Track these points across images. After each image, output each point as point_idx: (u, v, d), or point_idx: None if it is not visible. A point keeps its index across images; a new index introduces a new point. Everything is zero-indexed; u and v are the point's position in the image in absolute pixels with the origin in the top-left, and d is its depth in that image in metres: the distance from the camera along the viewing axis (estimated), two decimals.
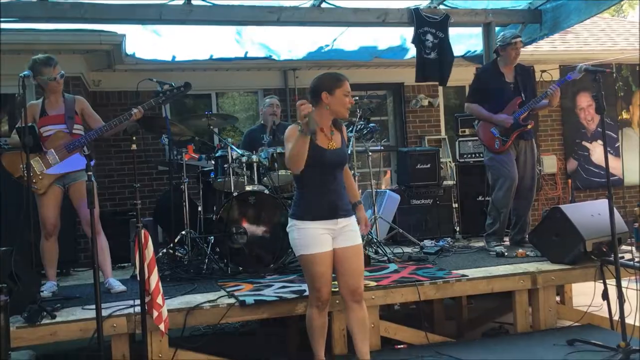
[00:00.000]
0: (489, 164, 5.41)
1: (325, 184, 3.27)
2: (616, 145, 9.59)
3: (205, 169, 5.57)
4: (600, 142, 9.02)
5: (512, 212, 5.42)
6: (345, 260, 3.32)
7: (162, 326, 3.18)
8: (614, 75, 9.34)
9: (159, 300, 3.11)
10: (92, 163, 3.71)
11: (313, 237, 3.24)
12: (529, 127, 5.25)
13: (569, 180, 9.30)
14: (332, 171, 3.30)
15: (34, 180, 4.13)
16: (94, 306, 3.48)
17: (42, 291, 4.06)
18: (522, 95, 5.23)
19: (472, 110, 5.45)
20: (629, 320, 3.64)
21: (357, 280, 3.35)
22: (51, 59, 4.27)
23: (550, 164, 9.25)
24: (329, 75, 3.35)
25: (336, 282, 3.40)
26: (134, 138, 3.28)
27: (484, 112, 5.29)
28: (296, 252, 3.36)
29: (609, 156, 9.51)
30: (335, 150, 3.32)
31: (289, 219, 3.37)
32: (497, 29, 6.69)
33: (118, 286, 4.28)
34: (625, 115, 9.83)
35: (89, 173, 3.04)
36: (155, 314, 3.12)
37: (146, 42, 6.87)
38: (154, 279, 3.10)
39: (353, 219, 3.41)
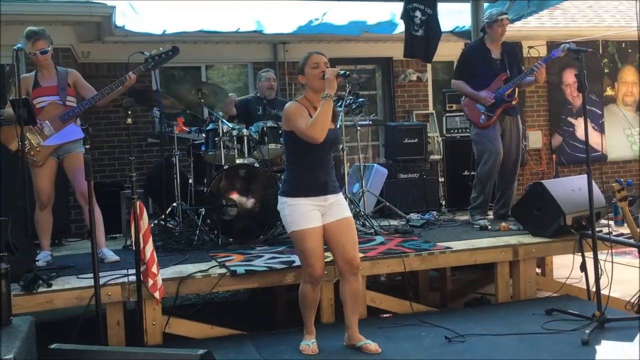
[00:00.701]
0: (474, 139, 5.52)
1: (316, 161, 3.34)
2: (601, 122, 9.75)
3: (196, 142, 5.63)
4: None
5: (497, 186, 5.57)
6: (338, 232, 3.37)
7: (157, 294, 3.29)
8: (599, 54, 9.42)
9: (154, 269, 3.22)
10: (83, 134, 3.78)
11: (302, 213, 3.30)
12: (514, 102, 5.36)
13: (554, 156, 9.46)
14: (324, 150, 3.36)
15: (32, 153, 4.20)
16: (88, 275, 3.61)
17: (37, 260, 4.15)
18: (508, 71, 5.32)
19: (457, 87, 5.54)
20: (605, 292, 3.80)
21: (352, 251, 3.40)
22: (32, 34, 4.24)
23: (535, 139, 9.39)
24: (301, 58, 3.45)
25: (329, 254, 3.48)
26: (130, 112, 3.35)
27: (467, 89, 5.38)
28: (288, 229, 3.41)
29: (594, 132, 9.76)
30: (330, 130, 3.34)
31: (279, 197, 3.42)
32: (485, 5, 6.74)
33: (111, 256, 4.38)
34: (610, 92, 9.96)
35: (87, 146, 3.11)
36: (150, 282, 3.24)
37: (136, 15, 6.85)
38: (149, 249, 3.20)
39: (341, 195, 3.51)
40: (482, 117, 5.33)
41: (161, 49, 4.50)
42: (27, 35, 4.24)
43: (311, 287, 3.43)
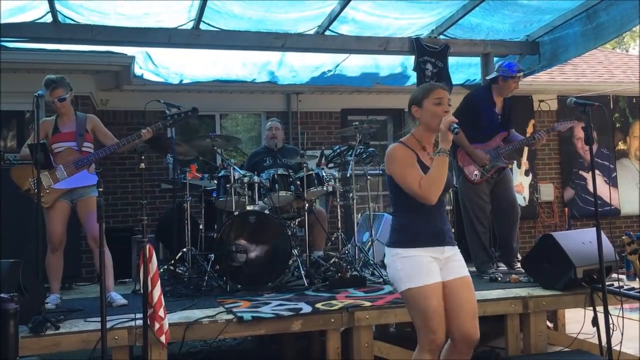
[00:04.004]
0: (462, 190, 5.35)
1: (430, 207, 2.87)
2: (613, 176, 9.74)
3: (208, 188, 5.70)
4: (597, 172, 9.16)
5: (497, 233, 5.50)
6: (456, 295, 2.88)
7: (162, 338, 3.28)
8: (609, 109, 9.50)
9: (161, 312, 3.22)
10: (96, 180, 3.86)
11: (421, 267, 2.82)
12: (509, 166, 5.35)
13: (566, 209, 9.42)
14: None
15: (41, 194, 4.28)
16: (96, 318, 3.62)
17: (47, 303, 4.17)
18: (507, 130, 5.32)
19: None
20: (617, 347, 3.73)
21: (470, 321, 2.88)
22: (50, 82, 4.39)
23: (547, 191, 9.39)
24: (419, 88, 3.06)
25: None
26: (143, 157, 3.43)
27: (465, 142, 5.17)
28: (399, 286, 2.89)
29: (606, 186, 9.72)
30: None
31: (387, 249, 2.96)
32: (495, 59, 6.88)
33: (119, 299, 4.39)
34: (622, 146, 9.99)
35: (100, 189, 3.18)
36: (157, 326, 3.23)
37: (153, 65, 7.06)
38: (157, 292, 3.21)
39: (457, 249, 3.02)
40: (476, 173, 5.20)
41: (181, 107, 4.63)
42: (46, 84, 4.40)
43: (430, 356, 2.86)
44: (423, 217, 2.89)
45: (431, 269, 2.84)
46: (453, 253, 2.96)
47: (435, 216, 2.92)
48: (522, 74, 5.32)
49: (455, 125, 2.79)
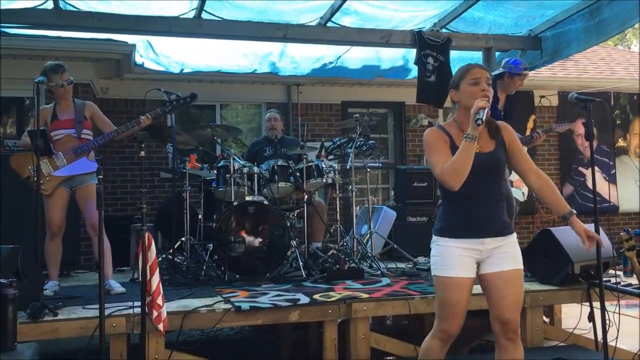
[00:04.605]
0: None
1: (470, 195, 2.73)
2: (612, 172, 9.75)
3: (208, 178, 5.70)
4: (596, 168, 9.17)
5: None
6: (498, 287, 2.77)
7: (160, 326, 3.29)
8: (610, 105, 9.49)
9: (159, 301, 3.23)
10: (95, 167, 3.85)
11: (450, 258, 2.76)
12: None
13: None
14: (480, 179, 2.73)
15: (41, 182, 4.28)
16: (94, 306, 3.63)
17: (45, 289, 4.18)
18: None
19: None
20: (612, 343, 3.75)
21: (509, 312, 2.77)
22: (59, 67, 4.42)
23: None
24: (457, 71, 2.90)
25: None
26: (143, 146, 3.42)
27: None
28: (432, 271, 2.88)
29: (605, 182, 9.70)
30: (485, 154, 2.78)
31: (433, 233, 2.92)
32: (497, 54, 6.86)
33: (118, 287, 4.41)
34: (622, 143, 9.99)
35: (100, 176, 3.18)
36: (155, 314, 3.24)
37: (154, 54, 7.04)
38: (155, 281, 3.22)
39: (511, 238, 2.83)
40: None
41: (180, 94, 4.62)
42: (54, 68, 4.39)
43: (440, 344, 2.87)
44: (466, 205, 2.77)
45: (460, 262, 2.75)
46: (501, 244, 2.79)
47: (476, 205, 2.76)
48: (528, 71, 5.32)
49: (479, 116, 2.64)
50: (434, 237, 2.87)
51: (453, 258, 2.76)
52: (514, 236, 2.85)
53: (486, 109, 2.68)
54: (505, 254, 2.79)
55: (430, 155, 2.77)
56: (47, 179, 4.33)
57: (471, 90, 2.77)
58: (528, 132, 5.87)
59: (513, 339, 2.79)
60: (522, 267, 2.85)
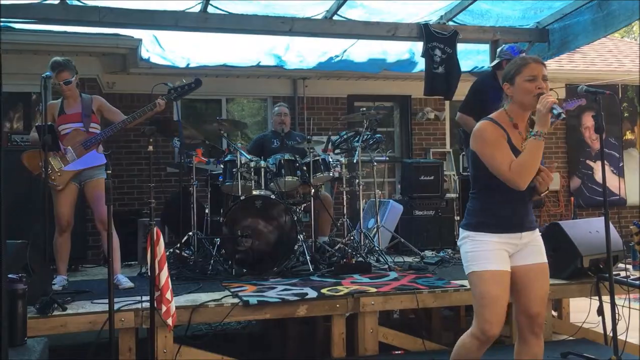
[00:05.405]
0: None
1: (511, 190, 2.69)
2: (620, 165, 9.70)
3: (214, 173, 5.70)
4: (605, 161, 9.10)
5: None
6: (527, 279, 2.75)
7: (169, 320, 3.29)
8: (618, 98, 9.43)
9: (168, 295, 3.23)
10: (105, 160, 3.84)
11: (489, 252, 2.70)
12: None
13: (572, 198, 9.39)
14: None
15: (53, 177, 4.29)
16: (103, 300, 3.64)
17: (54, 284, 4.20)
18: None
19: (463, 122, 5.32)
20: (622, 337, 3.73)
21: (537, 306, 2.75)
22: (57, 65, 4.39)
23: (553, 181, 9.34)
24: (511, 62, 2.84)
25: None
26: (151, 140, 3.42)
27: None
28: (466, 268, 2.78)
29: (613, 176, 9.66)
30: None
31: (461, 229, 2.84)
32: (504, 46, 6.81)
33: (126, 282, 4.41)
34: (630, 136, 9.93)
35: (109, 171, 3.18)
36: (164, 308, 3.24)
37: (160, 48, 7.03)
38: (164, 275, 3.22)
39: (537, 232, 2.86)
40: None
41: (184, 80, 4.61)
42: (52, 67, 4.39)
43: (478, 344, 2.72)
44: (503, 200, 2.73)
45: (499, 256, 2.71)
46: (533, 238, 2.81)
47: (517, 200, 2.74)
48: (525, 54, 5.27)
49: (560, 110, 2.58)
50: (467, 233, 2.78)
51: (493, 252, 2.71)
52: (538, 230, 2.87)
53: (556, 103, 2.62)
54: (533, 247, 2.80)
55: (492, 152, 2.69)
56: (59, 174, 4.34)
57: (527, 86, 2.70)
58: None
59: (538, 333, 2.78)
60: (547, 261, 2.84)
